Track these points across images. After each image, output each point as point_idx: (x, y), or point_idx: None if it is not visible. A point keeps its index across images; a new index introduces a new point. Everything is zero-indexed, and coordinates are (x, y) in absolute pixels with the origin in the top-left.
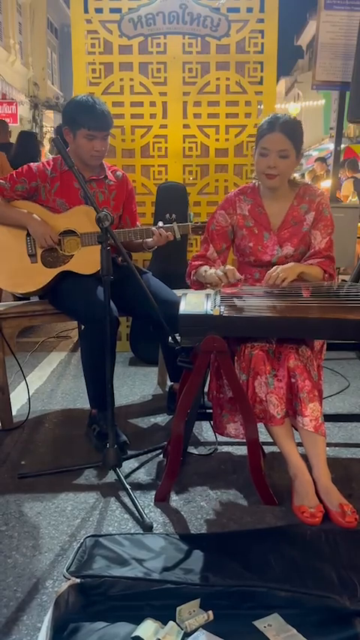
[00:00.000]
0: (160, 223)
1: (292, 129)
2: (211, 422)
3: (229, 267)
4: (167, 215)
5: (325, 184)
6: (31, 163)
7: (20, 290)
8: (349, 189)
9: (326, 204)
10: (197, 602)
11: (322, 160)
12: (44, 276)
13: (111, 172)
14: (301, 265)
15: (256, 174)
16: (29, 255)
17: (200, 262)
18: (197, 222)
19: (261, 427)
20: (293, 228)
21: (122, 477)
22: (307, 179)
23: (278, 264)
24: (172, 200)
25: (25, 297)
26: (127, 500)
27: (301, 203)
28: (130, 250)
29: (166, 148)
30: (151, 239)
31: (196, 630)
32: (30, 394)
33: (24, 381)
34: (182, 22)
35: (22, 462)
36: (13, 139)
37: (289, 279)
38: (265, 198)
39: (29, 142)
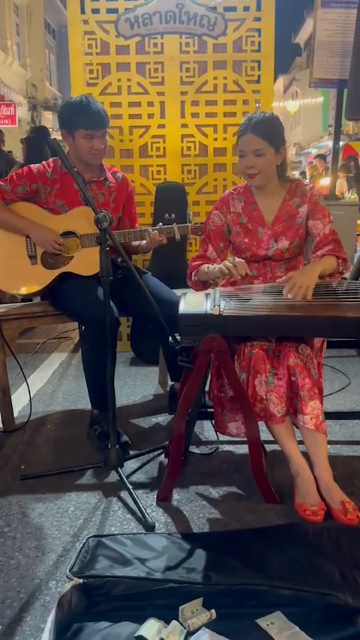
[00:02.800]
0: (161, 224)
1: (264, 128)
2: (213, 421)
3: (238, 259)
4: (166, 215)
5: (325, 182)
6: (32, 165)
7: (20, 291)
8: (342, 187)
9: (319, 196)
10: (200, 601)
11: (321, 157)
12: (44, 277)
13: (111, 174)
14: (317, 265)
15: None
16: (29, 257)
17: (200, 262)
18: (197, 223)
19: (262, 425)
20: (287, 222)
21: (124, 477)
22: (308, 175)
23: (274, 258)
24: (171, 200)
25: (26, 298)
26: (129, 500)
27: (293, 197)
28: (128, 252)
29: (164, 147)
30: (145, 241)
31: (198, 629)
32: (31, 395)
33: (25, 383)
34: (179, 22)
35: (22, 467)
36: (10, 145)
37: (312, 287)
38: (258, 195)
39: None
